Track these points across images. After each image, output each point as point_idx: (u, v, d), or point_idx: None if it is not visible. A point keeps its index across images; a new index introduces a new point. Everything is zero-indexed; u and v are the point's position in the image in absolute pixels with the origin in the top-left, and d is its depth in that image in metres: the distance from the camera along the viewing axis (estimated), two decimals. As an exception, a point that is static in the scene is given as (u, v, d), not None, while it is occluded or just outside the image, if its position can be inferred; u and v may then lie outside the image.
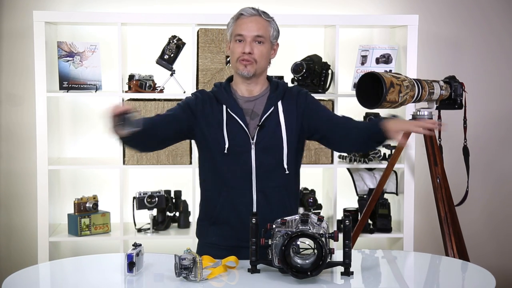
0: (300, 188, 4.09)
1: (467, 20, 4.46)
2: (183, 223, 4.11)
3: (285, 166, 2.78)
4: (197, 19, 3.94)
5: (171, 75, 3.98)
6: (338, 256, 2.52)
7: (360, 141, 2.75)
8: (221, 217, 2.79)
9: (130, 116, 2.48)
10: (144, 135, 2.64)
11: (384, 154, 4.13)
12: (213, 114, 2.77)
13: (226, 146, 2.74)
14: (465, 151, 3.79)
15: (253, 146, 2.75)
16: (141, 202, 3.94)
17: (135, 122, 2.50)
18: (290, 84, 3.75)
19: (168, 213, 4.11)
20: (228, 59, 4.00)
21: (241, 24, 2.76)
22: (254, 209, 2.75)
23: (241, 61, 2.75)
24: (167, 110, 2.84)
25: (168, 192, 4.10)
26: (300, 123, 2.80)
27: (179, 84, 3.98)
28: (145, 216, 4.06)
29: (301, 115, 2.80)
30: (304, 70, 3.91)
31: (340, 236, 2.43)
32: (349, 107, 3.95)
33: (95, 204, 3.99)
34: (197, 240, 2.92)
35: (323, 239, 2.38)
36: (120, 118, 2.47)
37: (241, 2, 3.20)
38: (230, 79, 2.87)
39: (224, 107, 2.78)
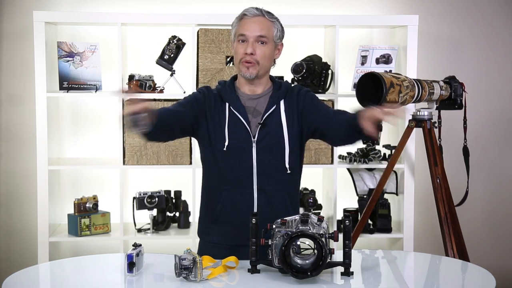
0: (300, 188, 4.11)
1: (467, 20, 4.46)
2: (183, 223, 4.11)
3: (287, 165, 2.77)
4: (197, 19, 3.94)
5: (171, 75, 3.98)
6: (338, 256, 2.52)
7: (345, 133, 2.70)
8: (222, 216, 2.79)
9: (136, 118, 2.49)
10: (158, 129, 2.64)
11: (384, 154, 4.13)
12: (216, 111, 2.78)
13: (226, 143, 2.74)
14: (465, 151, 3.78)
15: (254, 144, 2.75)
16: (141, 202, 3.94)
17: (141, 125, 2.51)
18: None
19: (168, 213, 4.11)
20: (228, 59, 4.00)
21: (244, 24, 2.76)
22: (255, 208, 2.75)
23: (244, 62, 2.75)
24: (177, 103, 2.81)
25: (168, 192, 4.10)
26: (301, 123, 2.80)
27: (179, 84, 3.98)
28: (145, 216, 4.06)
29: (301, 114, 2.80)
30: (304, 70, 3.91)
31: (340, 236, 2.43)
32: (349, 108, 3.94)
33: (95, 204, 3.99)
34: (197, 240, 2.93)
35: (323, 239, 2.38)
36: (132, 119, 2.49)
37: (241, 2, 3.20)
38: (235, 77, 2.87)
39: (227, 104, 2.78)
